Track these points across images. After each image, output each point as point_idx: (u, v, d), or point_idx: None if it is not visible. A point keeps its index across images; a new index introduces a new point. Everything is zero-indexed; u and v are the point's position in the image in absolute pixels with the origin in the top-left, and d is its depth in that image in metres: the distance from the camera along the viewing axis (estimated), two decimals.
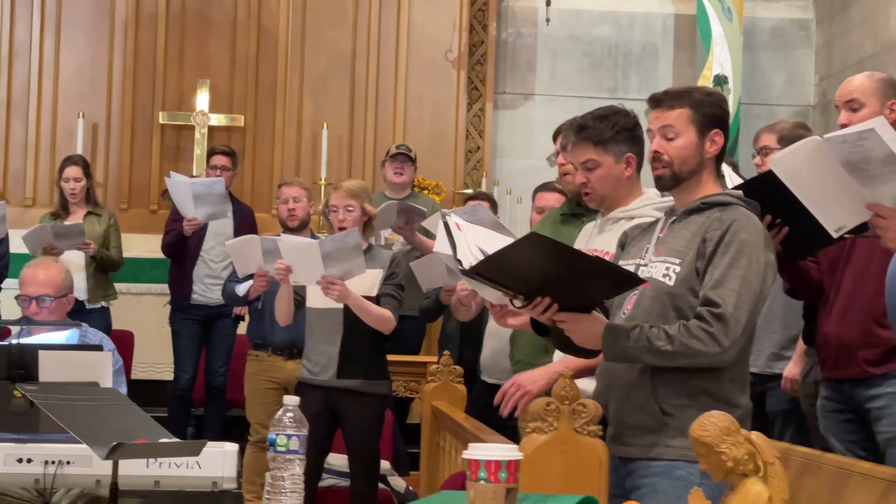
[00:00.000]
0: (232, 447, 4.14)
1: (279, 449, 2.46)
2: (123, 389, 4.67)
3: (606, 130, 3.81)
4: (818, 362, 4.40)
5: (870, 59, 10.01)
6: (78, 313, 7.75)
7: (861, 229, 3.22)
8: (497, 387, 5.37)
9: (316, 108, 10.66)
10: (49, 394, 3.36)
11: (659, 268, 3.25)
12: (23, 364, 3.99)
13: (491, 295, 3.20)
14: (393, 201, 7.36)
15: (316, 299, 5.59)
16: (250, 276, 6.34)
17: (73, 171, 8.09)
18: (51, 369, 4.02)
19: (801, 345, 4.84)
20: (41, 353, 4.01)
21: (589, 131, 3.82)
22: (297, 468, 2.49)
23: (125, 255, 9.11)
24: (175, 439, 3.61)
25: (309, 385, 5.68)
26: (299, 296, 5.69)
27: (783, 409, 4.99)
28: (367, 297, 5.51)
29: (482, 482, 1.99)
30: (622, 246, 3.50)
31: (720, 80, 10.45)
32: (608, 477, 3.04)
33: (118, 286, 9.12)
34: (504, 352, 5.08)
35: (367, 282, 5.50)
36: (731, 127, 10.29)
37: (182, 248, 7.90)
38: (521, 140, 10.96)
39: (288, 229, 6.83)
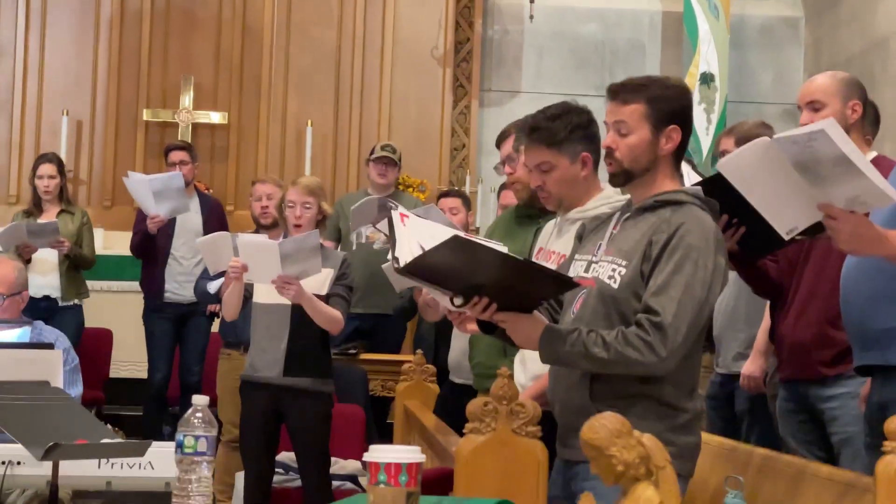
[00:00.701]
0: None
1: (187, 451, 2.41)
2: (79, 388, 4.65)
3: (560, 131, 3.73)
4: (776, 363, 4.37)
5: (858, 57, 9.97)
6: (51, 310, 7.78)
7: (814, 230, 3.15)
8: (464, 387, 5.36)
9: (301, 105, 10.62)
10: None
11: (606, 268, 3.17)
12: None
13: (439, 295, 3.15)
14: (373, 196, 7.29)
15: (262, 295, 5.52)
16: (222, 274, 6.28)
17: (48, 168, 8.06)
18: (0, 368, 3.99)
19: (760, 342, 4.80)
20: None
21: (542, 133, 3.74)
22: (205, 470, 2.44)
23: (108, 252, 9.11)
24: (117, 439, 3.57)
25: (253, 383, 5.60)
26: (247, 291, 5.61)
27: (748, 408, 4.95)
28: (317, 296, 5.46)
29: (382, 486, 1.95)
30: (580, 238, 3.41)
31: (707, 77, 10.41)
32: (547, 478, 2.99)
33: (101, 283, 9.12)
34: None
35: (317, 281, 5.44)
36: (717, 125, 10.25)
37: (151, 247, 7.85)
38: None
39: (261, 227, 6.78)
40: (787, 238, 3.19)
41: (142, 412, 8.10)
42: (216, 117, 10.49)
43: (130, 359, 8.76)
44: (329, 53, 10.68)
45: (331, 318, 5.48)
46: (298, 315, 5.50)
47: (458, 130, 10.82)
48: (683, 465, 3.12)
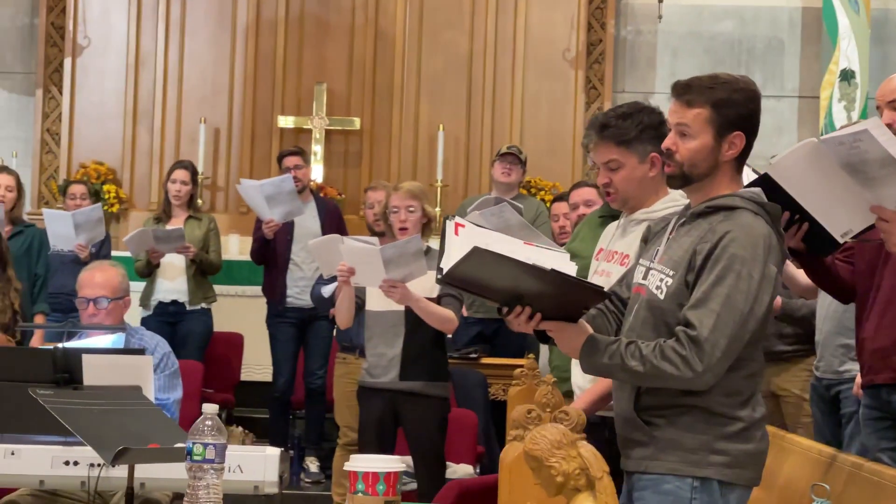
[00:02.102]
0: (273, 451, 4.14)
1: (195, 458, 2.43)
2: (178, 392, 4.72)
3: (630, 129, 3.71)
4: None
5: None
6: (179, 314, 7.97)
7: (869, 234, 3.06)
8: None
9: (432, 109, 10.67)
10: (64, 398, 3.40)
11: (655, 278, 3.11)
12: (67, 368, 4.05)
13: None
14: (490, 196, 7.28)
15: (375, 302, 5.57)
16: (336, 278, 6.34)
17: (181, 174, 8.23)
18: (94, 373, 4.08)
19: None
20: (84, 357, 4.07)
21: (612, 130, 3.72)
22: (213, 477, 2.45)
23: (245, 258, 9.27)
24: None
25: (370, 388, 5.66)
26: (360, 298, 5.67)
27: (853, 411, 4.79)
28: (430, 298, 5.47)
29: (360, 494, 1.94)
30: (645, 241, 3.35)
31: (847, 74, 10.13)
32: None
33: (236, 288, 9.31)
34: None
35: (428, 283, 5.45)
36: None
37: (270, 253, 7.96)
38: None
39: (376, 234, 6.82)
40: (841, 241, 3.09)
41: (265, 416, 8.23)
42: (349, 123, 10.60)
43: (261, 362, 8.88)
44: (461, 57, 10.70)
45: (443, 318, 5.50)
46: (412, 320, 5.54)
47: None
48: (740, 475, 3.06)
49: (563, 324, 3.04)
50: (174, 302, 8.08)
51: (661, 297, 3.07)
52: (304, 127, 10.57)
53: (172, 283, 8.04)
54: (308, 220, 8.07)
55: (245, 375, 9.01)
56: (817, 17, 10.59)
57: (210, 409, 2.52)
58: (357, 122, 10.60)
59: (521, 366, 6.73)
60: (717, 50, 10.91)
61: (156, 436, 3.44)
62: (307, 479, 7.95)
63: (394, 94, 10.68)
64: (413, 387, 5.59)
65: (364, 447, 5.71)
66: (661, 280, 3.08)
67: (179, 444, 3.55)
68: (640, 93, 10.95)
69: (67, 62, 10.60)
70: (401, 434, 5.80)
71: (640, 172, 3.73)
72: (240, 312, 9.06)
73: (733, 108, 3.08)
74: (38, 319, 6.95)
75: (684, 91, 3.13)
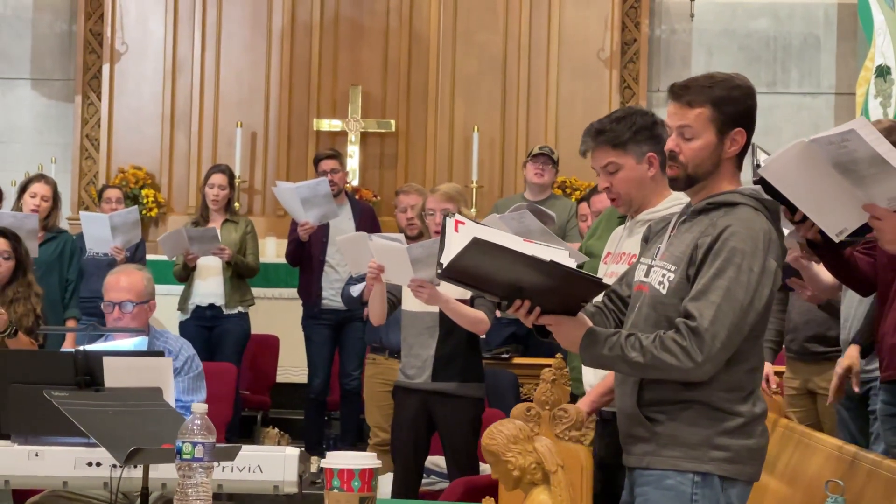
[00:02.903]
0: (293, 451, 4.17)
1: (185, 457, 2.47)
2: (202, 394, 4.77)
3: (625, 132, 3.79)
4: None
5: None
6: (216, 318, 8.04)
7: (864, 231, 3.07)
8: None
9: (467, 111, 10.70)
10: (80, 400, 3.45)
11: (657, 274, 3.15)
12: (88, 370, 4.11)
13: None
14: (523, 203, 7.30)
15: (411, 302, 5.60)
16: (364, 278, 6.38)
17: (219, 178, 8.30)
18: (115, 375, 4.13)
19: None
20: (105, 359, 4.12)
21: (607, 134, 3.82)
22: (201, 476, 2.49)
23: (281, 260, 9.33)
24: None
25: (405, 389, 5.70)
26: (394, 297, 5.70)
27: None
28: (462, 300, 5.49)
29: (336, 491, 1.98)
30: (646, 240, 3.39)
31: (883, 70, 10.06)
32: (591, 482, 2.97)
33: (273, 290, 9.38)
34: None
35: None
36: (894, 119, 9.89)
37: (305, 255, 8.02)
38: None
39: (409, 238, 6.85)
40: (837, 240, 3.11)
41: (301, 416, 8.29)
42: (385, 125, 10.65)
43: (297, 364, 8.95)
44: (495, 58, 10.73)
45: (474, 319, 5.52)
46: (447, 321, 5.56)
47: None
48: (740, 470, 3.09)
49: (561, 317, 3.08)
50: (211, 306, 8.15)
51: (664, 292, 3.11)
52: (340, 129, 10.63)
53: (209, 286, 8.10)
54: (343, 223, 8.12)
55: (281, 377, 9.10)
56: (853, 13, 10.52)
57: (199, 408, 2.55)
58: (392, 125, 10.65)
59: (550, 366, 6.75)
60: (752, 47, 10.87)
61: (170, 436, 3.48)
62: None
63: (428, 95, 10.73)
64: (446, 387, 5.61)
65: (398, 447, 5.74)
66: (664, 276, 3.12)
67: None
68: None
69: (105, 68, 10.73)
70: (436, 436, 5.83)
71: (638, 173, 3.80)
72: (276, 315, 9.13)
73: (733, 105, 3.13)
74: (70, 325, 7.04)
75: (683, 92, 3.17)
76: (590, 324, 3.12)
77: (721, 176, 3.17)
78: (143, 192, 10.47)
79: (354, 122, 10.58)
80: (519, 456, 1.93)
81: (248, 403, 8.66)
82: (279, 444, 8.16)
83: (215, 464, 2.51)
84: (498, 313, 6.18)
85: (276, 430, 8.40)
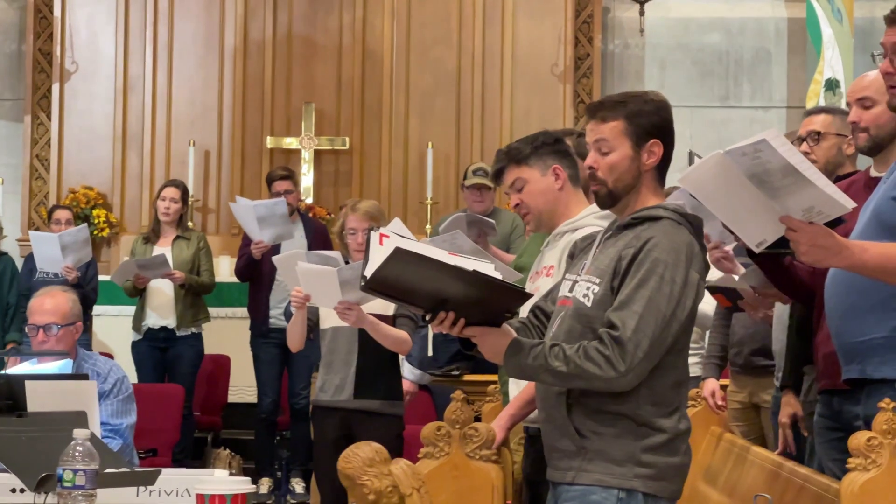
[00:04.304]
0: (221, 473, 4.11)
1: (66, 484, 2.41)
2: (132, 417, 4.71)
3: (525, 147, 3.90)
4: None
5: None
6: (168, 340, 7.98)
7: (784, 243, 3.05)
8: None
9: (422, 127, 10.67)
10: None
11: (582, 287, 3.14)
12: (11, 395, 4.03)
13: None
14: (461, 213, 7.24)
15: (329, 320, 5.54)
16: None
17: (171, 192, 8.25)
18: (38, 399, 4.05)
19: None
20: (27, 383, 4.04)
21: (510, 153, 3.95)
22: (83, 503, 2.44)
23: (235, 280, 9.27)
24: (129, 469, 3.56)
25: (324, 408, 5.61)
26: (311, 319, 5.62)
27: None
28: (383, 317, 5.44)
29: None
30: (571, 256, 3.38)
31: (832, 83, 10.10)
32: (502, 502, 2.93)
33: (227, 310, 9.30)
34: None
35: (384, 303, 5.41)
36: None
37: (256, 272, 7.97)
38: None
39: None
40: (757, 251, 3.09)
41: (251, 437, 8.22)
42: (339, 143, 10.60)
43: (249, 384, 8.87)
44: (449, 74, 10.70)
45: (396, 339, 5.46)
46: (366, 338, 5.49)
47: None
48: (664, 487, 3.07)
49: (486, 329, 3.06)
50: (164, 328, 8.10)
51: (588, 304, 3.10)
52: (294, 147, 10.58)
53: (161, 309, 8.06)
54: (295, 241, 8.06)
55: (233, 397, 9.01)
56: (802, 27, 10.57)
57: (81, 434, 2.50)
58: (346, 142, 10.61)
59: (494, 382, 6.72)
60: (704, 62, 10.89)
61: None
62: (293, 500, 7.93)
63: (383, 112, 10.69)
64: (368, 405, 5.54)
65: (323, 471, 5.63)
66: (588, 288, 3.12)
67: (110, 470, 3.52)
68: None
69: (55, 88, 10.64)
70: None
71: (543, 185, 3.87)
72: (229, 334, 9.04)
73: (646, 117, 3.17)
74: (10, 348, 6.97)
75: (597, 109, 3.23)
76: (514, 334, 3.11)
77: (643, 191, 3.19)
78: (95, 212, 10.38)
79: (308, 139, 10.53)
80: (375, 479, 1.90)
81: (200, 425, 8.57)
82: (230, 465, 8.08)
83: (97, 492, 2.44)
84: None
85: (228, 451, 8.33)
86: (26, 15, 10.81)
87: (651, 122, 3.16)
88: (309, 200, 10.34)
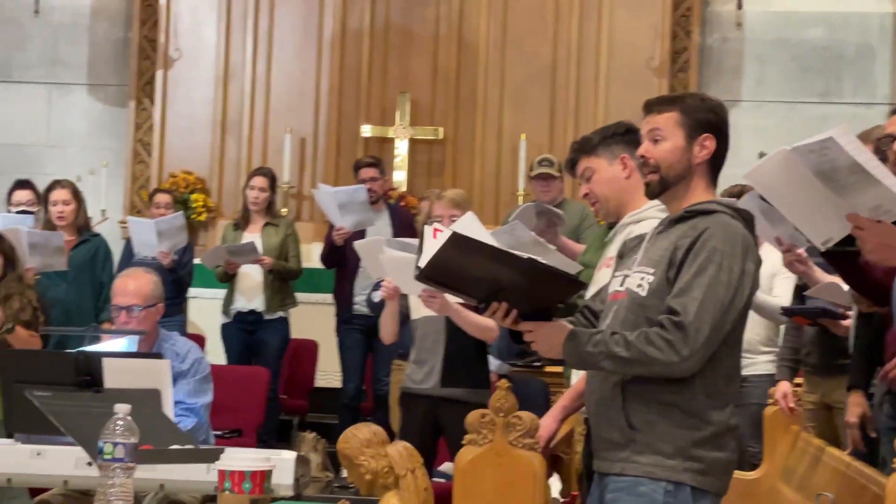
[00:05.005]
0: (289, 455, 4.20)
1: (105, 457, 2.50)
2: (207, 397, 4.82)
3: (594, 138, 3.94)
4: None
5: None
6: (257, 323, 8.14)
7: (850, 241, 3.04)
8: None
9: (515, 118, 10.69)
10: (59, 400, 3.50)
11: (636, 278, 3.17)
12: (88, 371, 4.17)
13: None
14: (530, 204, 7.25)
15: (420, 310, 5.62)
16: None
17: (260, 180, 8.41)
18: (115, 377, 4.18)
19: None
20: (105, 360, 4.18)
21: (581, 143, 3.97)
22: (121, 476, 2.52)
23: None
24: (195, 447, 3.66)
25: (412, 394, 5.70)
26: (402, 312, 5.72)
27: None
28: (470, 305, 5.49)
29: (227, 493, 2.00)
30: (621, 256, 3.42)
31: None
32: (544, 490, 2.96)
33: (316, 296, 9.43)
34: None
35: None
36: None
37: (341, 259, 8.06)
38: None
39: None
40: (822, 249, 3.08)
41: (335, 422, 8.33)
42: (433, 133, 10.68)
43: (336, 369, 8.99)
44: (544, 66, 10.71)
45: (481, 326, 5.52)
46: (454, 327, 5.56)
47: None
48: (712, 482, 3.10)
49: (540, 322, 3.09)
50: (252, 311, 8.25)
51: (644, 293, 3.13)
52: (388, 136, 10.67)
53: (250, 293, 8.21)
54: (382, 229, 8.15)
55: (321, 382, 9.14)
56: None
57: (122, 408, 2.59)
58: (440, 132, 10.68)
59: None
60: (804, 57, 10.75)
61: (150, 437, 3.51)
62: None
63: (477, 103, 10.73)
64: (454, 393, 5.61)
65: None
66: (642, 279, 3.15)
67: (175, 447, 3.62)
68: (725, 101, 10.71)
69: (159, 74, 10.87)
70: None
71: (610, 173, 3.90)
72: (317, 319, 9.16)
73: (701, 112, 3.21)
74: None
75: (653, 104, 3.28)
76: (569, 327, 3.14)
77: (695, 185, 3.22)
78: (193, 196, 10.59)
79: (402, 129, 10.63)
80: (371, 460, 1.96)
81: (287, 408, 8.72)
82: (315, 448, 8.20)
83: (137, 466, 2.53)
84: None
85: (314, 434, 8.44)
86: (133, 2, 11.06)
87: (706, 118, 3.20)
88: (402, 189, 10.43)
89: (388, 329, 5.73)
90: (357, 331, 8.06)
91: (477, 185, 10.50)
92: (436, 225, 3.19)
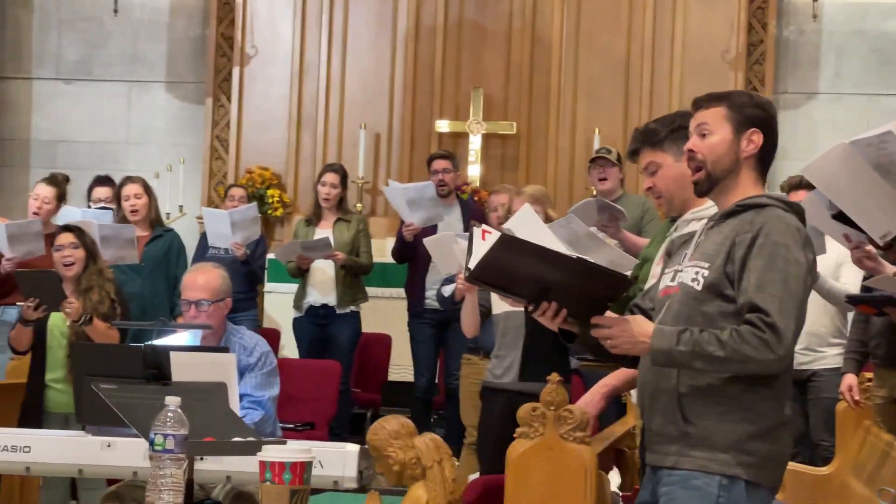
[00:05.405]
0: (353, 448, 4.25)
1: (156, 448, 2.55)
2: (274, 390, 4.88)
3: (661, 131, 3.81)
4: None
5: None
6: (328, 317, 8.22)
7: None
8: None
9: (589, 113, 10.67)
10: (125, 393, 3.58)
11: (689, 272, 3.16)
12: (156, 365, 4.25)
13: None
14: (591, 199, 7.23)
15: (500, 304, 5.65)
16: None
17: (331, 177, 8.48)
18: (182, 370, 4.26)
19: None
20: (172, 354, 4.26)
21: (647, 135, 3.86)
22: (172, 467, 2.57)
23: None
24: (257, 439, 3.69)
25: (492, 388, 5.74)
26: (484, 306, 5.75)
27: None
28: None
29: (268, 483, 2.04)
30: (668, 254, 3.41)
31: None
32: (595, 483, 2.97)
33: (389, 290, 9.50)
34: None
35: None
36: None
37: (412, 253, 8.11)
38: (804, 141, 10.50)
39: None
40: (881, 244, 3.06)
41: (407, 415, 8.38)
42: (506, 127, 10.69)
43: (408, 363, 9.06)
44: (618, 60, 10.68)
45: None
46: (534, 322, 5.56)
47: None
48: (766, 476, 3.09)
49: (619, 317, 3.09)
50: (324, 306, 8.33)
51: (699, 287, 3.11)
52: (462, 131, 10.71)
53: (322, 288, 8.30)
54: (453, 224, 8.19)
55: (394, 375, 9.21)
56: None
57: (173, 401, 2.64)
58: (514, 127, 10.69)
59: None
60: (884, 49, 10.60)
61: (213, 430, 3.58)
62: None
63: (550, 98, 10.73)
64: (533, 388, 5.62)
65: (484, 447, 5.79)
66: (697, 273, 3.14)
67: (237, 439, 3.68)
68: (802, 93, 10.76)
69: (236, 71, 11.01)
70: None
71: (676, 170, 3.80)
72: (391, 313, 9.24)
73: (749, 107, 3.21)
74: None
75: (702, 100, 3.29)
76: (652, 323, 3.12)
77: (743, 180, 3.21)
78: (269, 192, 10.70)
79: (476, 124, 10.65)
80: (399, 451, 1.99)
81: (360, 401, 8.79)
82: None
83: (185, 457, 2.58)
84: None
85: None
86: (210, 0, 11.20)
87: (753, 113, 3.20)
88: (475, 184, 10.46)
89: (467, 322, 5.78)
90: (428, 325, 8.11)
91: (550, 179, 10.50)
92: (484, 226, 3.20)
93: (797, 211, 3.16)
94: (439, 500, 1.96)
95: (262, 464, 2.04)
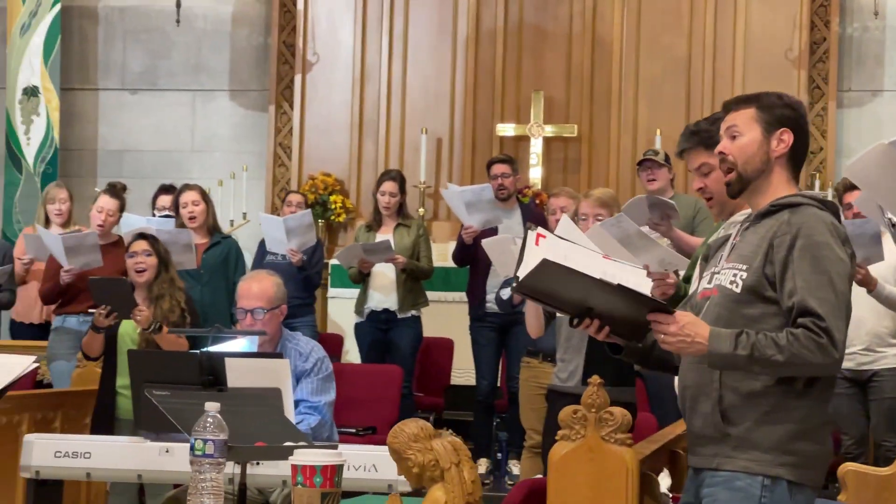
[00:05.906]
0: None
1: (196, 453, 2.59)
2: (329, 395, 4.92)
3: (716, 133, 3.75)
4: None
5: None
6: (390, 322, 8.27)
7: None
8: None
9: (650, 114, 10.64)
10: (178, 399, 3.63)
11: (727, 275, 3.17)
12: (212, 370, 4.32)
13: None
14: (642, 196, 7.19)
15: None
16: None
17: (390, 185, 8.53)
18: (237, 376, 4.33)
19: None
20: (227, 360, 4.32)
21: (700, 135, 3.88)
22: (212, 471, 2.60)
23: None
24: (308, 443, 3.73)
25: (558, 392, 5.74)
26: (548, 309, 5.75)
27: None
28: None
29: (299, 486, 2.07)
30: (706, 259, 3.41)
31: None
32: (637, 485, 2.97)
33: (452, 294, 9.53)
34: None
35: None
36: None
37: (472, 257, 8.12)
38: (869, 139, 10.31)
39: None
40: None
41: (470, 418, 8.41)
42: (568, 130, 10.68)
43: (470, 367, 9.07)
44: (679, 61, 10.64)
45: None
46: None
47: (814, 133, 10.44)
48: (808, 476, 3.09)
49: (675, 314, 3.07)
50: (385, 310, 8.38)
51: (738, 290, 3.12)
52: (523, 134, 10.71)
53: (383, 292, 8.34)
54: (513, 227, 8.18)
55: (457, 379, 9.23)
56: None
57: (212, 406, 2.68)
58: (575, 129, 10.67)
59: None
60: None
61: (265, 434, 3.62)
62: (510, 482, 8.07)
63: (611, 99, 10.71)
64: None
65: (548, 449, 5.78)
66: (735, 275, 3.14)
67: (288, 443, 3.72)
68: (867, 91, 10.64)
69: (298, 78, 11.10)
70: None
71: None
72: (453, 317, 9.26)
73: (778, 108, 3.24)
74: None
75: (732, 103, 3.32)
76: (707, 325, 3.11)
77: (774, 179, 3.23)
78: (332, 198, 10.77)
79: (537, 127, 10.65)
80: (419, 454, 2.02)
81: (423, 405, 8.82)
82: None
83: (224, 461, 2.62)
84: None
85: (449, 431, 8.50)
86: (272, 9, 11.31)
87: (783, 113, 3.22)
88: (538, 186, 10.46)
89: (531, 324, 5.76)
90: (489, 328, 8.12)
91: (612, 181, 10.47)
92: (539, 230, 3.20)
93: (832, 208, 3.17)
94: (458, 502, 1.98)
95: (294, 467, 2.08)
